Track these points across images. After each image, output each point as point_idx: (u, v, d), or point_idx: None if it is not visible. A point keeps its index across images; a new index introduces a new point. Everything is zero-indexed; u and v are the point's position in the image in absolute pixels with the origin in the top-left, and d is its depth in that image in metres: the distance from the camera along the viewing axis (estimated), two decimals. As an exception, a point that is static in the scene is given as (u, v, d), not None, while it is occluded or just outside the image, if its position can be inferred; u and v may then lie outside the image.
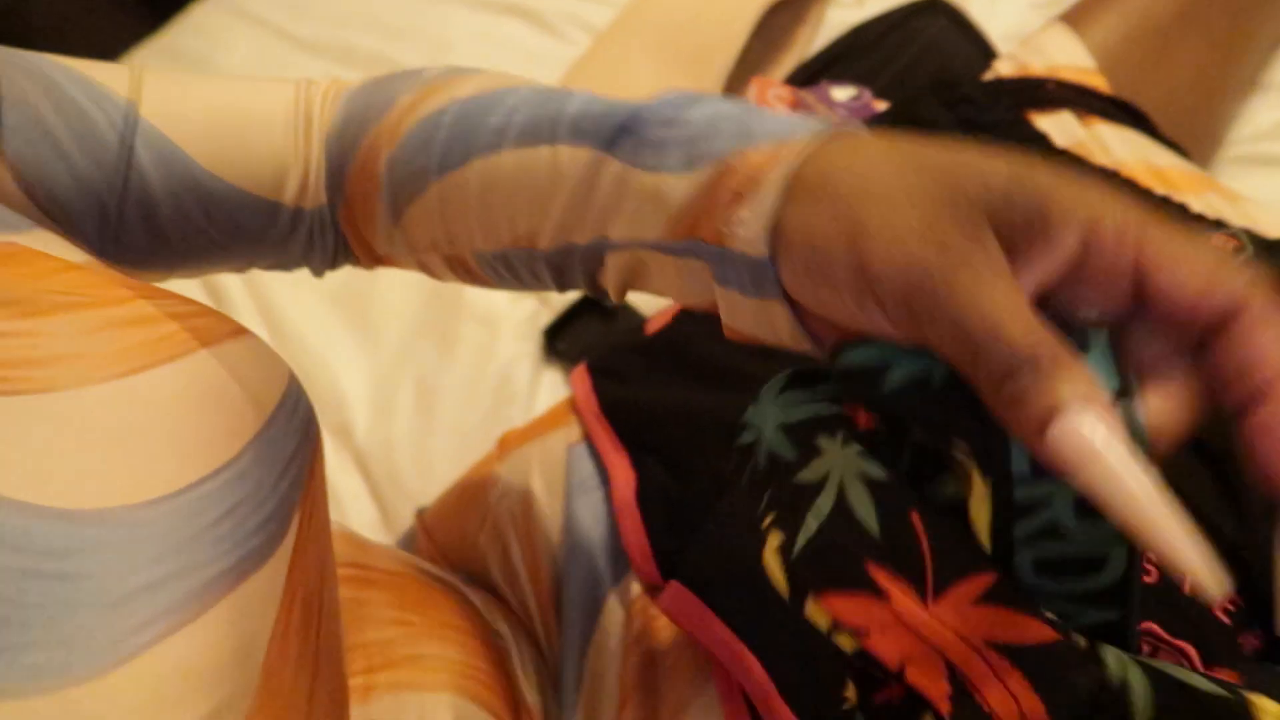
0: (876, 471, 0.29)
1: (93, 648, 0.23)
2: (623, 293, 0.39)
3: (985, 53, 0.80)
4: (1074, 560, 0.27)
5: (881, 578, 0.28)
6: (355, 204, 0.42)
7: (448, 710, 0.42)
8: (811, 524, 0.30)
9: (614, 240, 0.35)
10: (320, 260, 0.45)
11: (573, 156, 0.35)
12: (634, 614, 0.47)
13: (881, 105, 0.75)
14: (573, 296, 0.78)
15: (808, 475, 0.31)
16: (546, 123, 0.36)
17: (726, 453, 0.46)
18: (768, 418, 0.33)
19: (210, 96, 0.41)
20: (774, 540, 0.32)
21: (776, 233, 0.29)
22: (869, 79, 0.77)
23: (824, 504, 0.30)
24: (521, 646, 0.51)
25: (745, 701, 0.41)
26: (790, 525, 0.31)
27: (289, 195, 0.42)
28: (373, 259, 0.45)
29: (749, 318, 0.32)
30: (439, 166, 0.39)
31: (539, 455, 0.56)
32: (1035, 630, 0.26)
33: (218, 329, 0.30)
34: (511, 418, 0.75)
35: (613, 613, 0.48)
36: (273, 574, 0.28)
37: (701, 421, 0.49)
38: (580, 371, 0.57)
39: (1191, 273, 0.24)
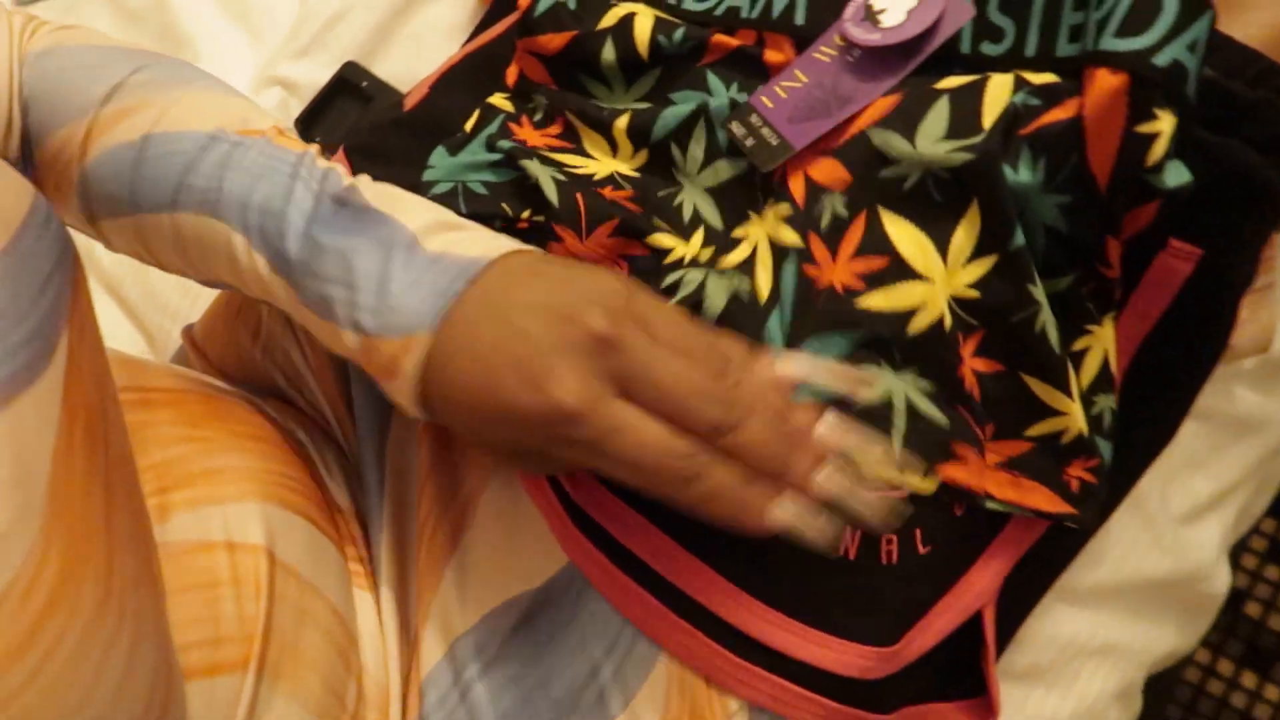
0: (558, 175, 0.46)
1: None
2: None
3: None
4: None
5: (559, 231, 0.45)
6: (46, 187, 0.41)
7: (256, 519, 0.40)
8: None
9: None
10: None
11: (251, 256, 0.39)
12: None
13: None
14: (323, 80, 0.71)
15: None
16: (236, 206, 0.39)
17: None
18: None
19: None
20: None
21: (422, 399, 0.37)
22: None
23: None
24: (323, 450, 0.50)
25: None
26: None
27: None
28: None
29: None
30: (132, 204, 0.40)
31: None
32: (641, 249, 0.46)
33: None
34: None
35: (406, 405, 0.47)
36: (46, 392, 0.27)
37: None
38: (339, 158, 0.53)
39: None
